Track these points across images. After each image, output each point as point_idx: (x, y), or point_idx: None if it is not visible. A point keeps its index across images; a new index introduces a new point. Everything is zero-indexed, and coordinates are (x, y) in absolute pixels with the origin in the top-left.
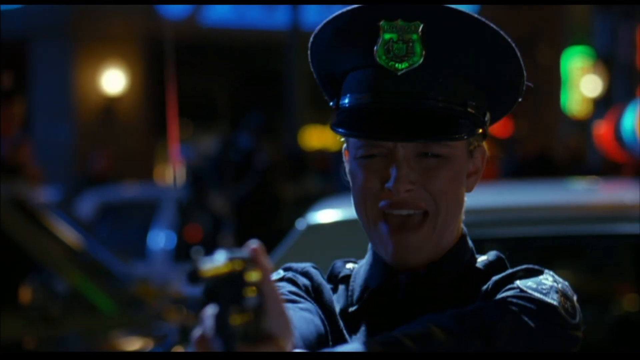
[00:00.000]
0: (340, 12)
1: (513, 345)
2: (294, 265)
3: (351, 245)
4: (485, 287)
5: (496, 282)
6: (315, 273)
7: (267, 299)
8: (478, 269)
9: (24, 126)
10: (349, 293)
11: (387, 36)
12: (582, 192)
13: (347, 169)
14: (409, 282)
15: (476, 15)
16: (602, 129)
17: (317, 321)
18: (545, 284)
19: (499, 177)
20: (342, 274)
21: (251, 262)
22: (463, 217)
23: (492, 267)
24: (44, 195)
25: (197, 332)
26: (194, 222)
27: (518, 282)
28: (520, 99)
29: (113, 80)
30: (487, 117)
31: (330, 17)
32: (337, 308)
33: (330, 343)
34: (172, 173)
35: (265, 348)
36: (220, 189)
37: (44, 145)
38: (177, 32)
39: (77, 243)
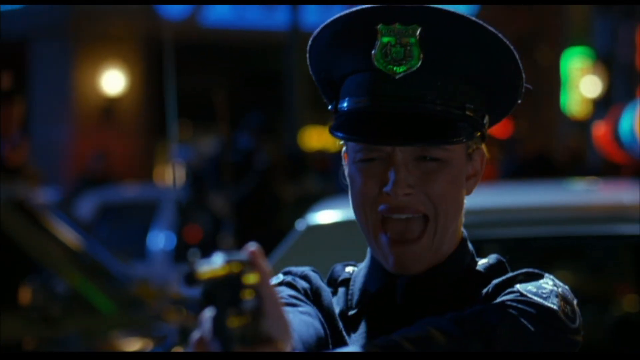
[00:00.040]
0: (338, 15)
1: (512, 349)
2: (293, 269)
3: (351, 246)
4: (485, 290)
5: (496, 285)
6: (314, 276)
7: (265, 302)
8: (478, 272)
9: (24, 126)
10: (349, 297)
11: (384, 40)
12: (582, 193)
13: (346, 172)
14: (408, 287)
15: (474, 18)
16: (601, 130)
17: (317, 324)
18: (546, 288)
19: (498, 178)
20: (341, 278)
21: (249, 264)
22: (463, 219)
23: (493, 270)
24: (43, 195)
25: (195, 335)
26: (194, 222)
27: (518, 286)
28: (519, 101)
29: (113, 81)
30: (486, 119)
31: (328, 20)
32: (337, 311)
33: (330, 346)
34: (171, 173)
35: (263, 350)
36: (219, 189)
37: (44, 146)
38: (177, 32)
39: (76, 244)
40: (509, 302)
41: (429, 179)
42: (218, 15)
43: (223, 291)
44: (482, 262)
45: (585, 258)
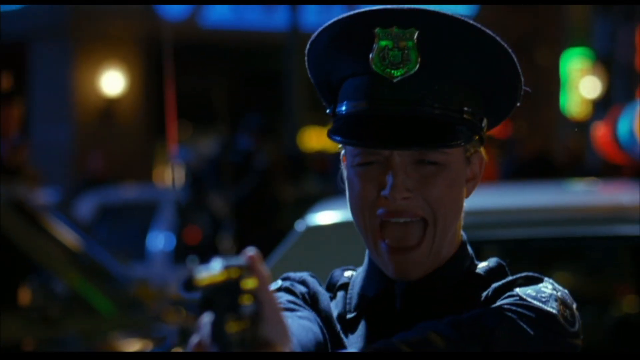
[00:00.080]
0: (336, 19)
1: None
2: (292, 274)
3: (350, 246)
4: (485, 293)
5: (496, 289)
6: (312, 281)
7: (263, 306)
8: (478, 275)
9: (24, 127)
10: (347, 300)
11: (382, 43)
12: (581, 194)
13: (344, 175)
14: (407, 292)
15: (472, 21)
16: (600, 131)
17: (316, 329)
18: (545, 292)
19: (498, 179)
20: (340, 282)
21: (248, 269)
22: (462, 223)
23: (493, 273)
24: (43, 196)
25: (194, 339)
26: (193, 223)
27: (517, 290)
28: (518, 104)
29: (112, 82)
30: (484, 123)
31: (327, 24)
32: (335, 314)
33: (329, 351)
34: (171, 174)
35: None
36: (219, 190)
37: (43, 147)
38: (176, 33)
39: (76, 244)
40: (507, 306)
41: (427, 182)
42: (218, 16)
43: (222, 296)
44: (482, 265)
45: (584, 259)
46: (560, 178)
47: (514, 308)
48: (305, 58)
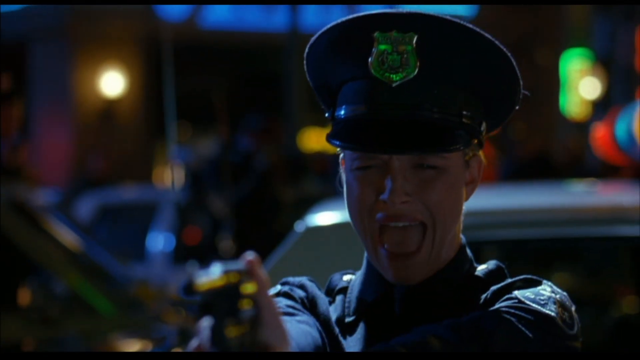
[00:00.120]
0: (335, 22)
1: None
2: (290, 279)
3: (350, 247)
4: (484, 296)
5: (494, 292)
6: (310, 285)
7: (263, 311)
8: (478, 277)
9: (23, 128)
10: (346, 304)
11: (381, 47)
12: (581, 194)
13: (343, 179)
14: (406, 296)
15: (471, 25)
16: (600, 132)
17: (315, 333)
18: (543, 295)
19: (497, 179)
20: (339, 287)
21: (247, 274)
22: (461, 226)
23: (492, 276)
24: (43, 197)
25: (193, 343)
26: (193, 224)
27: (516, 293)
28: (517, 107)
29: (112, 83)
30: (483, 126)
31: (326, 27)
32: (334, 318)
33: None
34: (170, 175)
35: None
36: (219, 190)
37: (43, 147)
38: (176, 34)
39: (76, 245)
40: (506, 309)
41: (426, 186)
42: (217, 16)
43: (221, 301)
44: (481, 268)
45: (584, 260)
46: (560, 179)
47: (512, 311)
48: (304, 62)
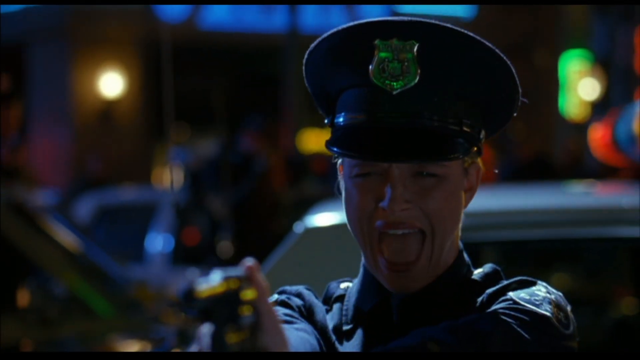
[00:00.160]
0: (335, 29)
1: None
2: (288, 288)
3: (349, 248)
4: (480, 299)
5: (490, 294)
6: (307, 294)
7: (263, 317)
8: (474, 281)
9: (22, 129)
10: (344, 312)
11: (382, 55)
12: (580, 195)
13: (341, 185)
14: (404, 304)
15: (471, 34)
16: (599, 133)
17: (313, 341)
18: (539, 295)
19: (496, 180)
20: (336, 294)
21: (247, 280)
22: (460, 233)
23: (488, 279)
24: (41, 198)
25: (193, 349)
26: (192, 224)
27: (511, 294)
28: (515, 114)
29: (111, 84)
30: (482, 134)
31: (325, 34)
32: (331, 326)
33: None
34: (169, 176)
35: None
36: (218, 191)
37: (42, 148)
38: (175, 35)
39: (74, 246)
40: (502, 310)
41: (425, 194)
42: (216, 17)
43: (221, 308)
44: (477, 272)
45: (583, 261)
46: (559, 180)
47: (508, 312)
48: (303, 68)
